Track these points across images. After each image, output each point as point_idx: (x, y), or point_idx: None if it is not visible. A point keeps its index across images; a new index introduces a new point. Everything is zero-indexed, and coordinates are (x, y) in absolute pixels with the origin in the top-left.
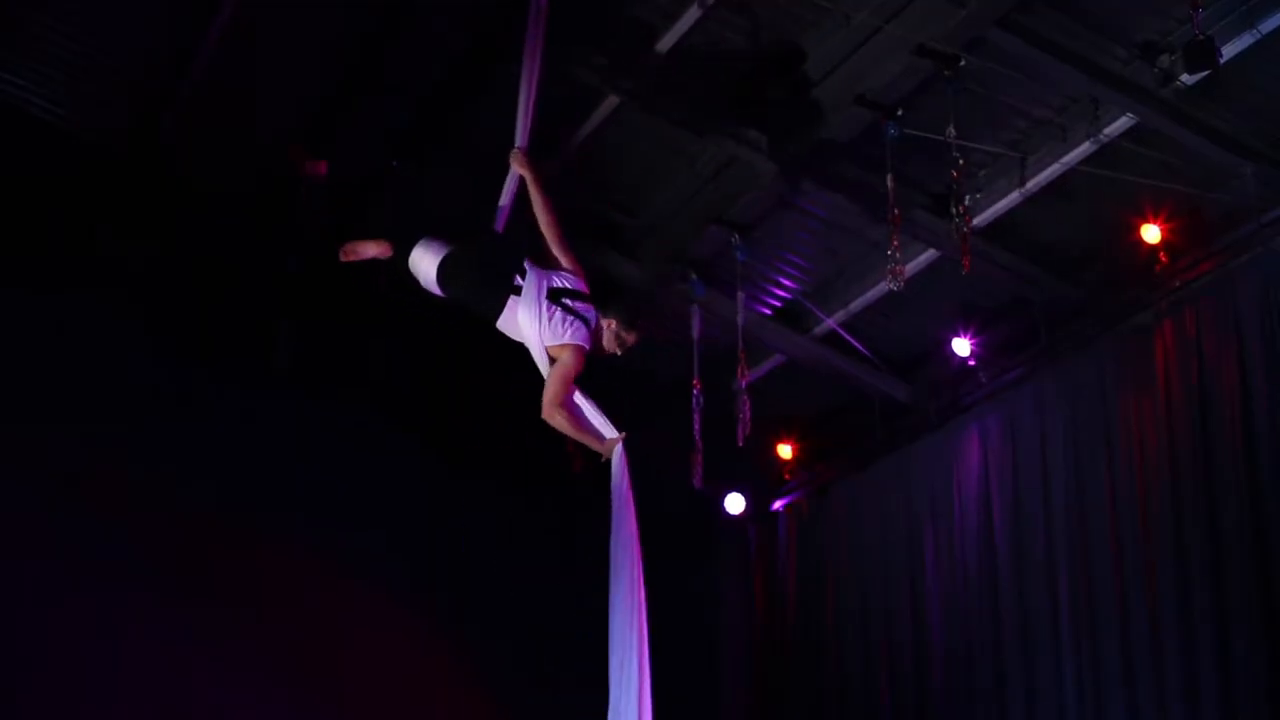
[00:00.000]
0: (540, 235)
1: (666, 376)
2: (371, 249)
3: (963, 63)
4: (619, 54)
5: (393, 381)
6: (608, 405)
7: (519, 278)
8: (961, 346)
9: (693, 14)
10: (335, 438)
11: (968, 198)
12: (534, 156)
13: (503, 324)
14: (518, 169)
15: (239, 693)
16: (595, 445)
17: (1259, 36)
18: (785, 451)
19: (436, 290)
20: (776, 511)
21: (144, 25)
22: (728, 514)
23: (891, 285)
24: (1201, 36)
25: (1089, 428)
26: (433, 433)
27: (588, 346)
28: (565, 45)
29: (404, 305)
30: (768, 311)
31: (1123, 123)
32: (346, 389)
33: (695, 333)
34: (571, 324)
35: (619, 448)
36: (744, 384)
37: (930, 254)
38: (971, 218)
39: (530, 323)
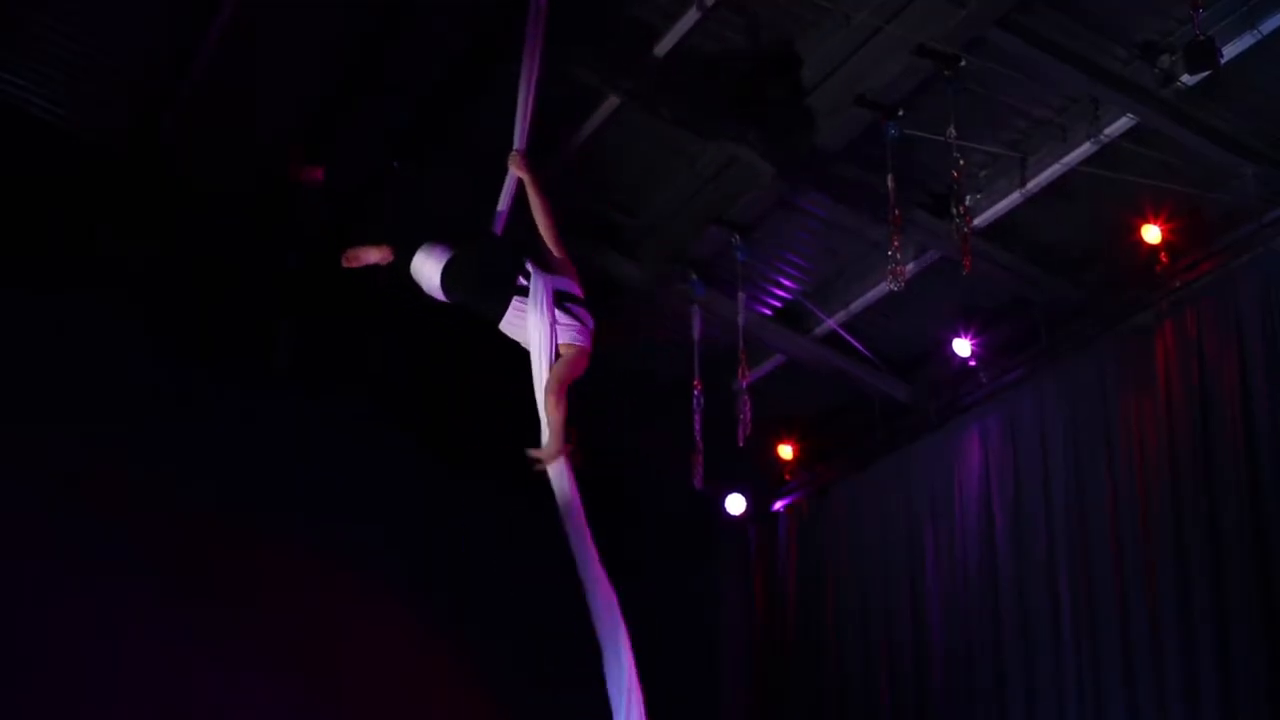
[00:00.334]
0: (538, 237)
1: (667, 377)
2: (373, 255)
3: (963, 63)
4: (619, 54)
5: (392, 380)
6: (608, 405)
7: (522, 279)
8: (962, 347)
9: (693, 14)
10: (335, 437)
11: (968, 198)
12: (533, 159)
13: (506, 325)
14: (516, 172)
15: (239, 692)
16: (555, 446)
17: (1259, 37)
18: (786, 452)
19: (440, 295)
20: (777, 512)
21: (144, 25)
22: (728, 514)
23: (892, 285)
24: (1202, 37)
25: (1089, 428)
26: (432, 432)
27: (590, 349)
28: (565, 45)
29: (403, 304)
30: (768, 312)
31: (1123, 123)
32: (346, 388)
33: (696, 333)
34: (576, 327)
35: (562, 460)
36: (744, 384)
37: (931, 254)
38: (972, 218)
39: (539, 324)
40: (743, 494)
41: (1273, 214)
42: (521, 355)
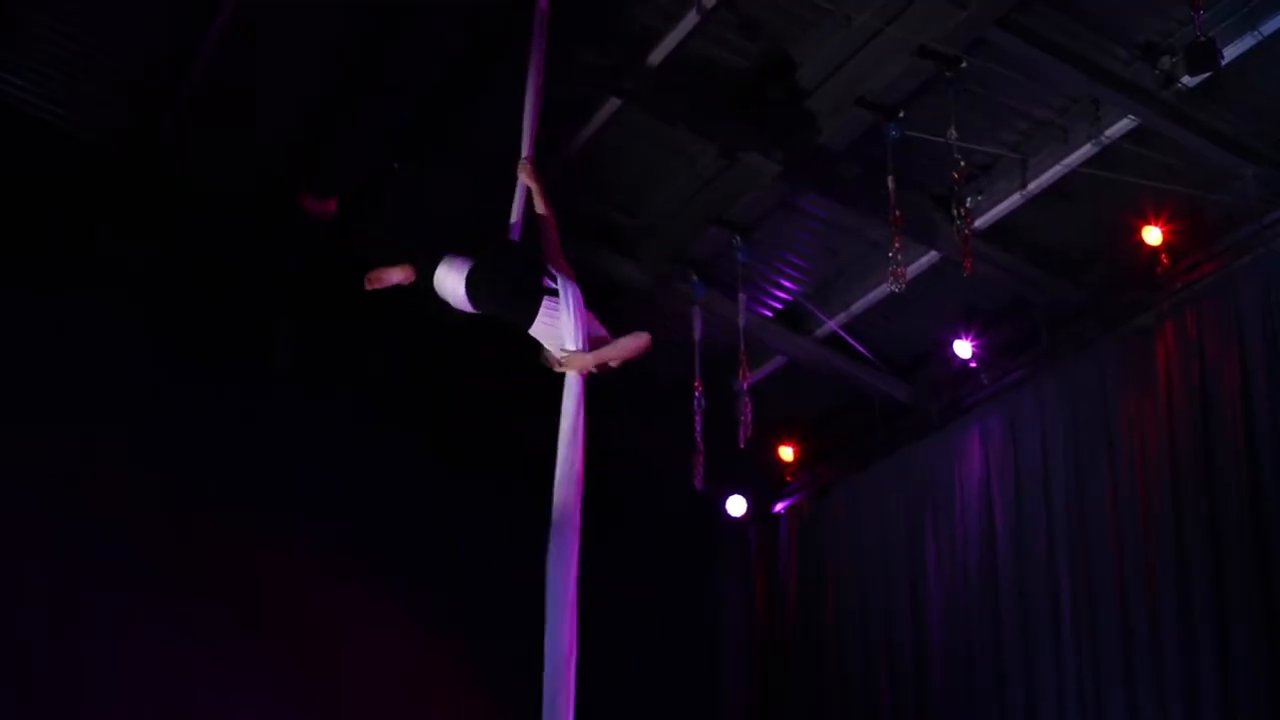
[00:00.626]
0: (542, 245)
1: (667, 377)
2: (395, 275)
3: (964, 64)
4: (619, 55)
5: (392, 381)
6: (608, 405)
7: (548, 280)
8: (963, 348)
9: (693, 16)
10: (335, 437)
11: (969, 199)
12: (540, 166)
13: (536, 329)
14: (526, 180)
15: (239, 692)
16: (590, 359)
17: (1260, 38)
18: (787, 454)
19: (467, 307)
20: (778, 513)
21: (144, 25)
22: (729, 515)
23: (893, 287)
24: (1203, 38)
25: (1090, 429)
26: (432, 432)
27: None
28: (566, 47)
29: (403, 305)
30: (769, 314)
31: (1124, 124)
32: (346, 388)
33: (696, 334)
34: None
35: (578, 375)
36: (745, 385)
37: (931, 255)
38: (973, 219)
39: (570, 326)
40: (743, 495)
41: (1273, 215)
42: (521, 356)
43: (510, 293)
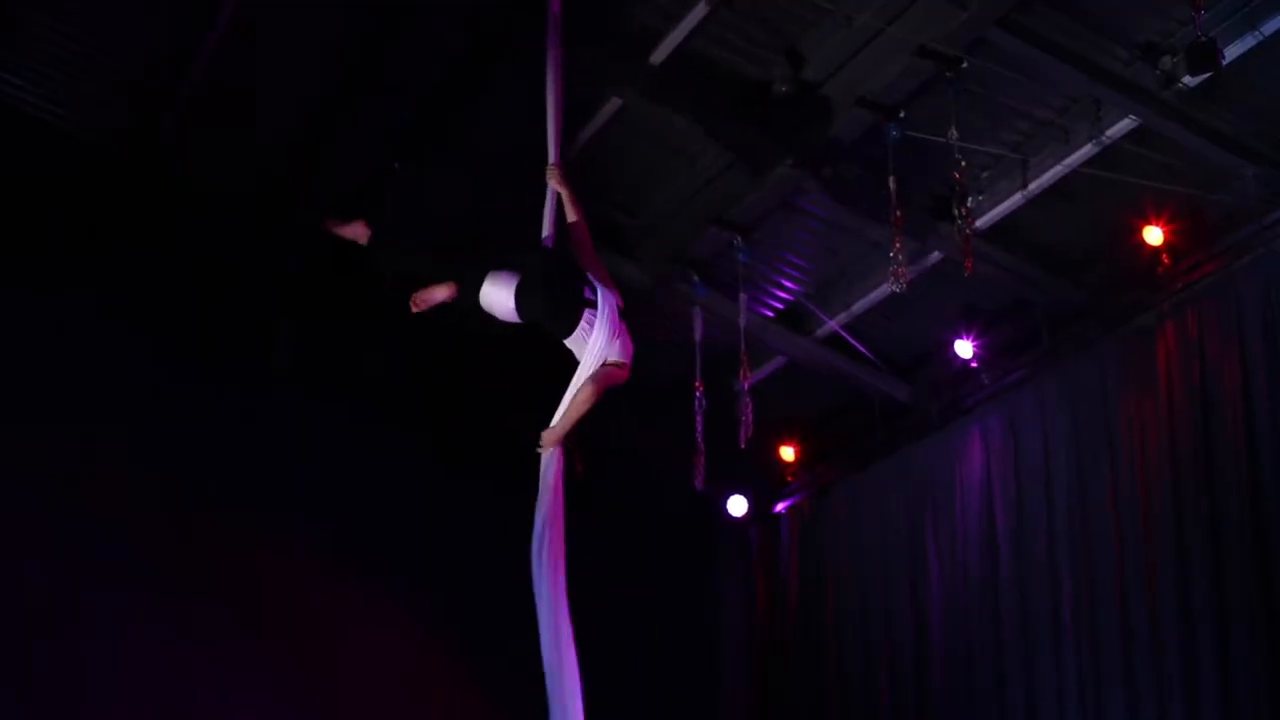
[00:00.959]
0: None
1: (667, 377)
2: (440, 293)
3: (964, 64)
4: (620, 55)
5: (392, 381)
6: (608, 405)
7: (589, 291)
8: (964, 349)
9: (694, 16)
10: (335, 437)
11: (970, 199)
12: (538, 162)
13: (572, 340)
14: (555, 186)
15: (239, 692)
16: (560, 430)
17: (1261, 38)
18: (788, 454)
19: (515, 318)
20: (778, 513)
21: (144, 25)
22: (729, 515)
23: (893, 287)
24: (1203, 38)
25: (1091, 429)
26: (431, 432)
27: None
28: (566, 47)
29: (403, 305)
30: (769, 314)
31: (1125, 124)
32: (346, 389)
33: (697, 334)
34: (624, 342)
35: (558, 451)
36: (746, 386)
37: (932, 256)
38: (974, 219)
39: (604, 336)
40: (744, 495)
41: (1274, 215)
42: (520, 355)
43: (558, 303)
